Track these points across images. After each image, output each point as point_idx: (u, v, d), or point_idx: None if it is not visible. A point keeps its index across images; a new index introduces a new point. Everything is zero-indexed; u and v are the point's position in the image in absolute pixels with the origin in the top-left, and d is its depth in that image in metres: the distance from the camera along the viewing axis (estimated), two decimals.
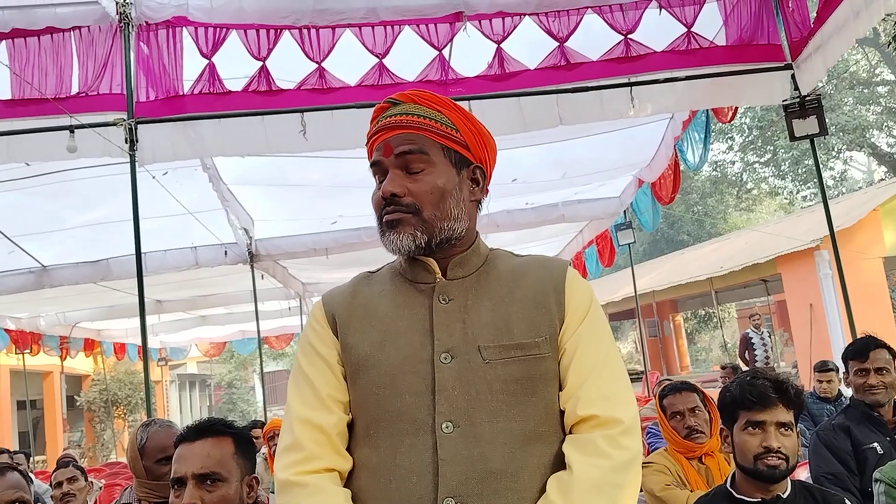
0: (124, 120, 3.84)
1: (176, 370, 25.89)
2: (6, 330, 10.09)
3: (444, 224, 1.41)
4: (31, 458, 8.86)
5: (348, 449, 1.41)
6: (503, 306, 1.40)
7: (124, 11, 3.88)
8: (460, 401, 1.33)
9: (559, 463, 1.34)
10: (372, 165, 1.47)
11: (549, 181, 6.65)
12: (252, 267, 7.40)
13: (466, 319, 1.39)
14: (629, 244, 8.14)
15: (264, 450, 5.23)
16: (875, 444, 2.74)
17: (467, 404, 1.33)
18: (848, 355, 2.97)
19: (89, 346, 13.11)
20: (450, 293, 1.42)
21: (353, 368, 1.41)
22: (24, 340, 10.48)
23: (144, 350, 4.09)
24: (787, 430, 1.95)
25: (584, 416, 1.34)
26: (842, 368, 3.17)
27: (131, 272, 7.00)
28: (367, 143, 1.51)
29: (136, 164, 3.86)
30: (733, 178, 28.39)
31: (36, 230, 6.43)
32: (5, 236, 6.27)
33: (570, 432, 1.36)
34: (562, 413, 1.37)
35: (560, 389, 1.38)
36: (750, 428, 1.96)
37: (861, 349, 2.88)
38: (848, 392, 3.37)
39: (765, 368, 2.06)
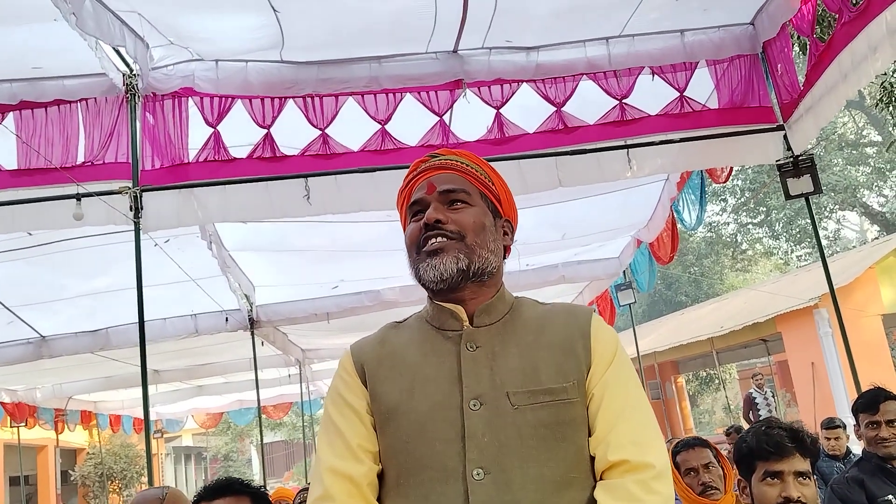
0: (129, 188, 3.89)
1: (171, 443, 25.49)
2: (1, 403, 9.97)
3: (483, 252, 1.45)
4: None
5: (379, 499, 1.40)
6: (530, 352, 1.41)
7: (131, 83, 3.97)
8: (490, 447, 1.33)
9: None
10: (411, 206, 1.51)
11: (549, 242, 6.70)
12: (252, 333, 7.37)
13: (494, 366, 1.40)
14: (630, 304, 8.15)
15: None
16: (889, 497, 2.71)
17: (497, 451, 1.32)
18: (858, 408, 2.95)
19: (86, 418, 12.95)
20: (477, 340, 1.43)
21: (382, 417, 1.41)
22: (21, 413, 10.34)
23: (146, 420, 4.04)
24: (805, 479, 1.93)
25: (614, 461, 1.33)
26: (849, 423, 3.16)
27: (131, 341, 7.04)
28: (404, 188, 1.56)
29: (141, 231, 3.89)
30: (728, 239, 28.64)
31: (36, 300, 6.42)
32: (5, 307, 6.26)
33: (601, 478, 1.35)
34: (592, 459, 1.37)
35: (589, 435, 1.38)
36: (768, 478, 1.95)
37: (871, 401, 2.88)
38: (856, 449, 3.34)
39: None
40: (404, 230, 1.55)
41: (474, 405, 1.36)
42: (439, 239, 1.43)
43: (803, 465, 1.94)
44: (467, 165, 1.53)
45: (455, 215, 1.46)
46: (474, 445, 1.33)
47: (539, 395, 1.36)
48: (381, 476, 1.41)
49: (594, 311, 1.55)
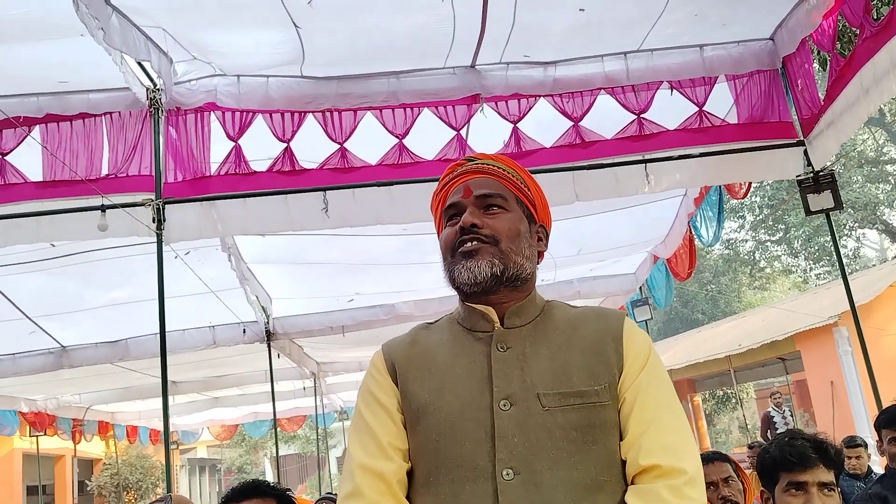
0: (152, 200, 3.94)
1: (186, 454, 25.57)
2: (20, 413, 10.05)
3: (517, 258, 1.45)
4: None
5: (408, 497, 1.41)
6: (561, 354, 1.42)
7: (155, 97, 4.03)
8: (520, 448, 1.33)
9: None
10: (446, 209, 1.52)
11: (565, 257, 6.70)
12: (269, 346, 7.40)
13: (525, 367, 1.40)
14: (646, 321, 8.11)
15: None
16: None
17: (528, 451, 1.32)
18: (881, 424, 2.93)
19: (103, 429, 13.03)
20: (507, 341, 1.44)
21: (412, 416, 1.43)
22: (41, 422, 10.42)
23: (166, 431, 4.07)
24: (829, 490, 1.92)
25: (646, 465, 1.33)
26: (871, 443, 3.13)
27: (150, 352, 7.09)
28: (440, 191, 1.57)
29: (163, 243, 3.94)
30: (746, 256, 28.46)
31: (58, 311, 6.49)
32: (27, 317, 6.33)
33: (633, 482, 1.35)
34: (623, 463, 1.36)
35: (620, 439, 1.38)
36: (792, 489, 1.93)
37: (893, 417, 2.85)
38: (877, 468, 3.31)
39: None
40: (438, 234, 1.56)
41: (504, 405, 1.36)
42: (474, 244, 1.44)
43: (827, 476, 1.93)
44: (504, 170, 1.53)
45: (491, 220, 1.46)
46: (504, 445, 1.33)
47: (570, 398, 1.36)
48: (410, 474, 1.42)
49: (626, 314, 1.54)
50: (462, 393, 1.40)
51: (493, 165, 1.53)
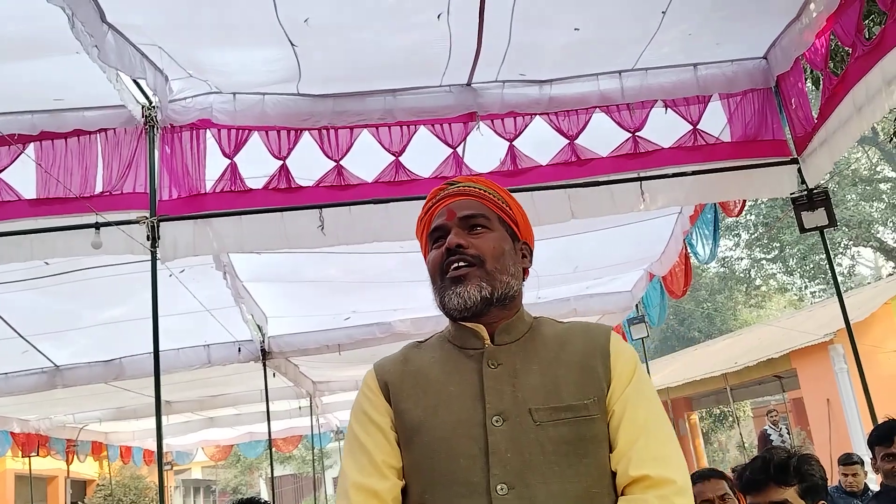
0: (147, 218, 3.93)
1: (181, 475, 25.37)
2: (12, 433, 9.96)
3: (504, 277, 1.49)
4: None
5: None
6: (551, 370, 1.44)
7: (150, 115, 4.03)
8: (514, 463, 1.34)
9: None
10: (431, 233, 1.55)
11: (561, 275, 6.70)
12: (264, 365, 7.36)
13: (516, 383, 1.42)
14: (642, 338, 8.10)
15: None
16: None
17: (521, 466, 1.34)
18: (874, 441, 2.93)
19: (96, 449, 12.91)
20: (498, 358, 1.46)
21: (406, 434, 1.44)
22: (31, 443, 10.32)
23: (159, 451, 4.04)
24: None
25: (636, 476, 1.35)
26: (867, 458, 3.12)
27: (144, 371, 7.05)
28: (424, 216, 1.60)
29: (158, 260, 3.92)
30: (742, 274, 28.51)
31: (51, 329, 6.45)
32: (20, 336, 6.29)
33: (623, 493, 1.37)
34: (614, 475, 1.38)
35: (611, 451, 1.40)
36: None
37: (885, 434, 2.85)
38: (874, 486, 3.29)
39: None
40: (425, 258, 1.59)
41: (497, 421, 1.38)
42: (462, 269, 1.47)
43: (779, 495, 1.96)
44: (485, 191, 1.58)
45: (476, 240, 1.50)
46: (498, 461, 1.35)
47: (560, 412, 1.38)
48: (404, 492, 1.43)
49: (612, 329, 1.56)
50: (455, 410, 1.42)
51: (474, 187, 1.57)
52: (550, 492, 1.33)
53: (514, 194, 4.49)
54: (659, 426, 1.42)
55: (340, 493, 1.44)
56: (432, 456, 1.39)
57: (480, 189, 1.57)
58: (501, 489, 1.32)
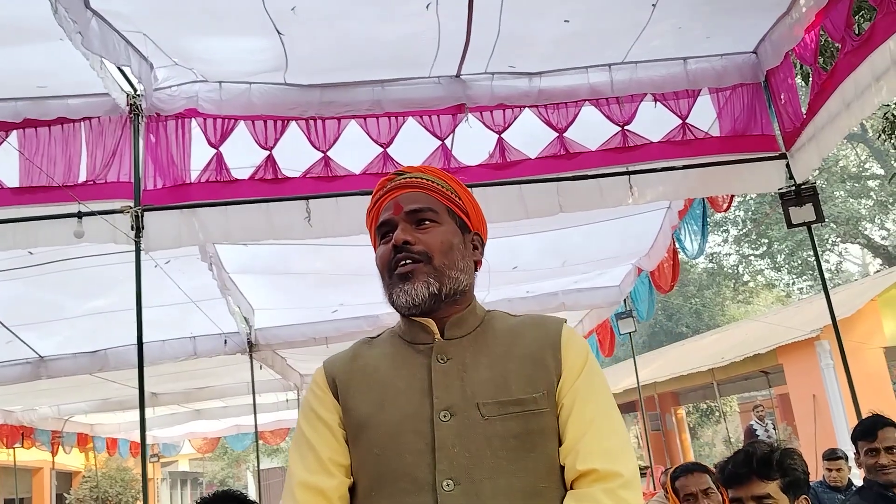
0: (131, 207, 3.89)
1: (167, 467, 25.30)
2: None
3: (452, 273, 1.46)
4: None
5: None
6: (501, 364, 1.42)
7: (135, 103, 3.99)
8: (460, 458, 1.33)
9: None
10: (379, 227, 1.52)
11: (550, 269, 6.69)
12: (251, 357, 7.33)
13: (465, 377, 1.41)
14: (630, 333, 8.11)
15: None
16: None
17: (468, 462, 1.33)
18: (857, 436, 2.93)
19: (82, 441, 12.84)
20: (448, 352, 1.44)
21: (353, 430, 1.42)
22: (15, 434, 10.25)
23: (143, 443, 4.00)
24: (767, 499, 1.95)
25: (583, 470, 1.33)
26: (851, 452, 3.13)
27: (129, 363, 6.99)
28: (372, 208, 1.56)
29: (142, 251, 3.88)
30: (730, 270, 28.63)
31: (35, 320, 6.39)
32: (4, 326, 6.24)
33: (571, 487, 1.35)
34: (562, 469, 1.37)
35: (560, 445, 1.38)
36: None
37: (869, 429, 2.86)
38: (857, 481, 3.31)
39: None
40: (375, 251, 1.56)
41: (444, 416, 1.37)
42: (408, 266, 1.44)
43: (762, 488, 1.96)
44: (433, 182, 1.53)
45: (423, 235, 1.46)
46: (444, 457, 1.34)
47: (509, 406, 1.37)
48: (352, 489, 1.42)
49: (564, 321, 1.56)
50: (402, 405, 1.40)
51: (423, 178, 1.53)
52: (497, 487, 1.31)
53: (502, 187, 4.46)
54: (608, 419, 1.40)
55: (286, 492, 1.43)
56: (379, 452, 1.37)
57: (429, 180, 1.53)
58: (447, 485, 1.31)
